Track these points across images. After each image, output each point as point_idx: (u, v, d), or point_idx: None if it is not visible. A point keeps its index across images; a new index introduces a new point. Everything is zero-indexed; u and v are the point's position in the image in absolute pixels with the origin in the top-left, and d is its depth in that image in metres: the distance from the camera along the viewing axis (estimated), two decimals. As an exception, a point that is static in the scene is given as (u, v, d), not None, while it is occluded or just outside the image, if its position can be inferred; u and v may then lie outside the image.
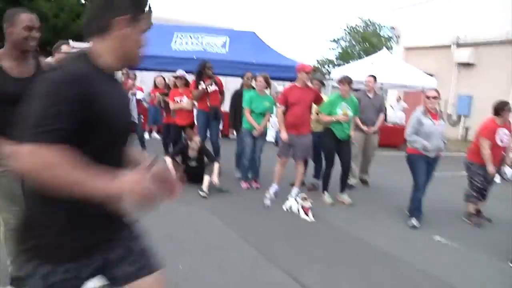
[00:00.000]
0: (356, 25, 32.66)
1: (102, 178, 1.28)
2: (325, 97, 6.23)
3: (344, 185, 6.10)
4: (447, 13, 18.36)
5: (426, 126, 5.07)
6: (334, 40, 33.86)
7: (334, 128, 5.77)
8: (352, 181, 6.87)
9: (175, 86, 7.46)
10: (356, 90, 7.93)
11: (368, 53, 30.50)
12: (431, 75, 19.35)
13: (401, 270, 3.99)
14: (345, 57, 31.91)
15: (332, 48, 33.19)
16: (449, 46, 18.17)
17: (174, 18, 26.51)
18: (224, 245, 4.25)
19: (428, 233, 5.07)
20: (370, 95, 6.99)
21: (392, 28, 22.03)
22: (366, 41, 30.51)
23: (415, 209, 5.29)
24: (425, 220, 5.39)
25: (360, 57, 31.39)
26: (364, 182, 7.45)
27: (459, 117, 17.61)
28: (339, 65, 28.62)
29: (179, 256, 3.78)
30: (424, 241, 4.87)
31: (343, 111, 5.65)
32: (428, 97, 5.15)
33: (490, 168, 5.20)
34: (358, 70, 11.49)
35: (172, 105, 7.11)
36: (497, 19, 16.20)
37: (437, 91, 5.24)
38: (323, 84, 7.44)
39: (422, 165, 5.16)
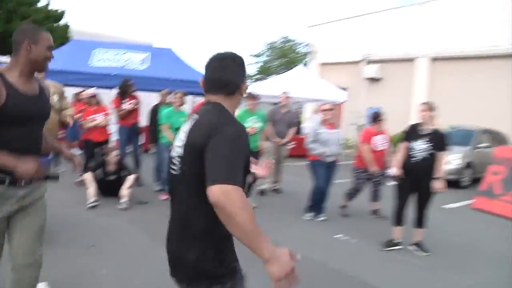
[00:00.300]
0: (275, 41, 34.11)
1: (264, 237, 1.47)
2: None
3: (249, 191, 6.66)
4: (358, 32, 20.00)
5: (322, 135, 5.82)
6: (255, 55, 35.10)
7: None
8: (263, 187, 7.58)
9: (88, 104, 7.57)
10: (275, 103, 8.59)
11: (286, 68, 32.01)
12: (344, 89, 20.87)
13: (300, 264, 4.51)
14: (266, 72, 33.14)
15: (254, 63, 34.26)
16: (359, 62, 19.77)
17: (95, 32, 25.92)
18: (142, 250, 4.59)
19: (329, 232, 5.73)
20: (283, 111, 7.66)
21: (309, 44, 23.37)
22: (285, 56, 31.93)
23: (313, 205, 6.14)
24: (328, 221, 6.09)
25: (278, 72, 32.82)
26: (275, 190, 8.06)
27: (369, 127, 19.05)
28: (258, 80, 29.72)
29: (102, 262, 4.14)
30: (325, 238, 5.51)
31: (250, 125, 6.20)
32: (323, 110, 5.89)
33: (373, 168, 6.07)
34: (275, 85, 12.24)
35: (86, 124, 7.25)
36: (399, 39, 18.02)
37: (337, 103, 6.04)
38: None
39: (322, 170, 5.90)
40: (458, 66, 16.11)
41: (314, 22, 22.97)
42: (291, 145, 8.06)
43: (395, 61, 18.49)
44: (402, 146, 4.97)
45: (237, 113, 6.68)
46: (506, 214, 7.18)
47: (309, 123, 15.10)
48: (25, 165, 2.24)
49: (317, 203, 6.09)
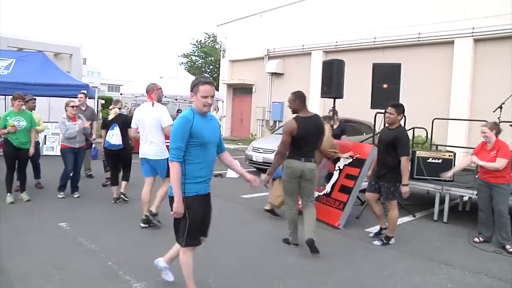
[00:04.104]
0: (201, 39, 33.96)
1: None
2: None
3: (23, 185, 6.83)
4: (261, 28, 20.24)
5: (69, 126, 6.81)
6: (184, 55, 34.76)
7: (11, 138, 6.43)
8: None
9: None
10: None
11: (214, 66, 31.96)
12: (252, 85, 21.10)
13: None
14: (194, 71, 32.93)
15: (181, 63, 33.91)
16: (262, 58, 20.01)
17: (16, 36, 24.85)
18: None
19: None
20: (83, 108, 8.29)
21: (219, 42, 23.41)
22: (208, 55, 31.85)
23: (62, 185, 6.96)
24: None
25: (202, 71, 32.69)
26: (89, 176, 8.92)
27: (274, 122, 19.37)
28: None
29: None
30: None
31: (10, 124, 6.32)
32: (70, 106, 6.92)
33: None
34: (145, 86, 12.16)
35: None
36: (297, 34, 18.37)
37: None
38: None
39: (71, 155, 6.90)
40: (350, 58, 16.59)
41: (222, 20, 23.06)
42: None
43: (294, 56, 18.86)
44: None
45: (5, 113, 6.72)
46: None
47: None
48: None
49: (64, 184, 7.01)
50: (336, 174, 6.22)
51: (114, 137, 6.59)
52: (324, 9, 17.48)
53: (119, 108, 7.11)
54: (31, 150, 6.60)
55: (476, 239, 5.42)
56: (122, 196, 6.68)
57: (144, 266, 3.99)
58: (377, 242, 5.15)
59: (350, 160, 6.12)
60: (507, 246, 5.03)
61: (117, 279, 3.77)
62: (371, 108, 6.82)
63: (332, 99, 6.93)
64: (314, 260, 4.47)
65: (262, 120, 20.15)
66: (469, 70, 13.32)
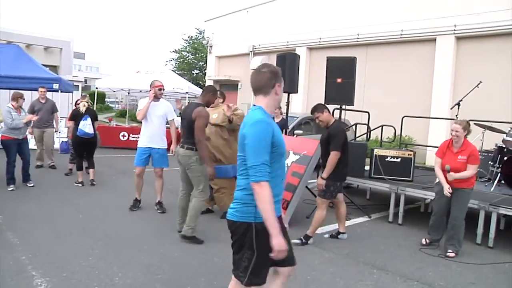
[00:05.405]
0: (192, 35, 33.71)
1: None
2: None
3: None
4: (246, 24, 19.94)
5: (15, 117, 6.67)
6: (175, 51, 34.50)
7: None
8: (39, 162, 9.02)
9: None
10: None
11: (200, 62, 31.71)
12: (238, 81, 20.86)
13: None
14: (184, 67, 32.68)
15: (172, 59, 33.70)
16: (248, 54, 19.71)
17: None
18: None
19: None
20: (43, 101, 8.82)
21: (206, 38, 23.14)
22: (199, 51, 31.59)
23: (10, 178, 6.77)
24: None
25: (192, 67, 32.47)
26: (52, 167, 9.05)
27: (259, 119, 19.03)
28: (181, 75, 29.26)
29: None
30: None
31: None
32: (21, 98, 6.87)
33: None
34: (121, 80, 11.91)
35: None
36: (282, 30, 18.09)
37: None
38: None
39: (15, 147, 6.77)
40: (334, 55, 16.31)
41: (210, 15, 22.77)
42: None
43: (279, 52, 18.49)
44: None
45: None
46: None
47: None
48: None
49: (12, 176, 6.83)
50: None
51: (87, 126, 7.42)
52: (308, 5, 17.21)
53: (87, 102, 7.72)
54: None
55: (423, 241, 5.13)
56: (93, 183, 7.50)
57: (56, 262, 3.85)
58: (296, 241, 4.84)
59: (298, 157, 5.84)
60: (449, 251, 4.76)
61: (21, 275, 3.58)
62: (324, 103, 6.52)
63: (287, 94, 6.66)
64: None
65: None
66: (451, 67, 13.03)
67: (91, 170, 7.62)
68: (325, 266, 4.27)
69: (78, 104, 7.85)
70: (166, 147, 6.00)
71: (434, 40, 13.36)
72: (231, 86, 21.29)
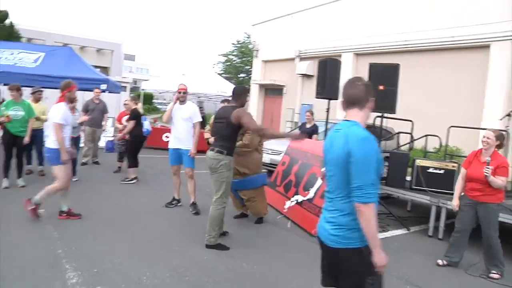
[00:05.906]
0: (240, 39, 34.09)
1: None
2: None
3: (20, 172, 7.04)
4: (293, 29, 19.90)
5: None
6: (223, 55, 35.04)
7: (8, 127, 6.72)
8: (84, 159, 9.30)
9: None
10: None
11: (246, 65, 31.94)
12: (283, 86, 20.84)
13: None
14: (231, 70, 33.08)
15: (219, 62, 34.21)
16: (293, 59, 19.64)
17: (47, 30, 26.12)
18: None
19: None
20: (96, 102, 9.36)
21: (252, 42, 23.29)
22: (246, 54, 31.84)
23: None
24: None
25: (239, 70, 32.74)
26: (96, 163, 9.58)
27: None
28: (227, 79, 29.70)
29: None
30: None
31: (5, 114, 6.52)
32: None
33: None
34: (168, 82, 12.22)
35: None
36: (328, 35, 17.90)
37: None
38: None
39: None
40: (381, 61, 15.94)
41: (257, 20, 22.88)
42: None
43: (324, 57, 18.31)
44: None
45: (4, 102, 6.86)
46: (276, 205, 6.63)
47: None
48: None
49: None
50: (319, 180, 5.86)
51: (148, 126, 8.21)
52: (355, 11, 16.90)
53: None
54: (26, 139, 6.77)
55: (440, 262, 4.84)
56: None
57: (89, 258, 4.01)
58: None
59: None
60: (492, 272, 4.49)
61: (56, 267, 3.75)
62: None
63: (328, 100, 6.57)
64: (265, 266, 4.17)
65: (291, 122, 19.79)
66: (506, 76, 12.34)
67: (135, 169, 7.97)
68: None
69: (126, 104, 8.24)
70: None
71: (488, 46, 12.72)
72: (276, 90, 21.29)
